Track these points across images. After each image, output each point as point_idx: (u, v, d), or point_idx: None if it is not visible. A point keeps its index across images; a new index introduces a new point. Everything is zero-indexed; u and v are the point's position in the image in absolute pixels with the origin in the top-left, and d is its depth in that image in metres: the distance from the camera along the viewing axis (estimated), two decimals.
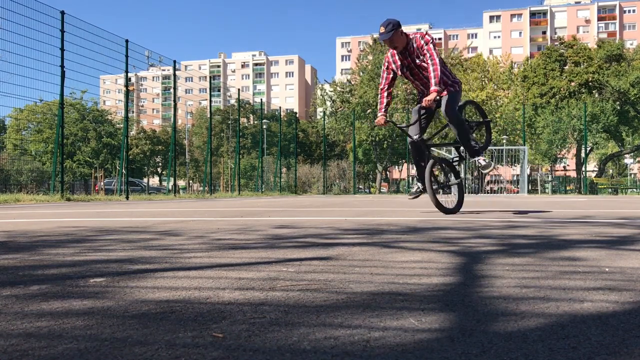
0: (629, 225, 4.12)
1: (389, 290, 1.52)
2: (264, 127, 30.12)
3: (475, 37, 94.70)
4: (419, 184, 5.78)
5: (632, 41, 75.18)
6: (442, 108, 5.41)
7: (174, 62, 18.87)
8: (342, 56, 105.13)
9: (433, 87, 5.13)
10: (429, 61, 5.20)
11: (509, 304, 1.34)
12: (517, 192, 35.07)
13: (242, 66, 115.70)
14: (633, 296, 1.43)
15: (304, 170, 35.37)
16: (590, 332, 1.09)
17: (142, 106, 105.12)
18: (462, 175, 32.15)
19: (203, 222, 4.52)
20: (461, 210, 6.03)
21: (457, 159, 6.21)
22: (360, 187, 50.07)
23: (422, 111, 5.57)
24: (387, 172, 50.83)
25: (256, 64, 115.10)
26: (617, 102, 37.70)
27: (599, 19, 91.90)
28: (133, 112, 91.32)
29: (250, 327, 1.13)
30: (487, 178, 44.17)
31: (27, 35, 12.26)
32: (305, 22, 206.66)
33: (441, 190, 5.98)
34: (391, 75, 5.56)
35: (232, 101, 70.41)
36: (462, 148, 5.79)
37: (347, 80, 43.12)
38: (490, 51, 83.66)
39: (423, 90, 5.53)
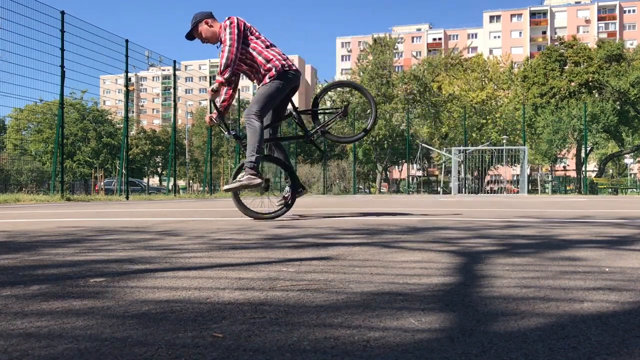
0: (629, 225, 4.12)
1: (389, 290, 1.52)
2: None
3: (475, 37, 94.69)
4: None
5: (632, 41, 75.20)
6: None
7: (174, 62, 18.87)
8: (342, 56, 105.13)
9: (217, 77, 4.51)
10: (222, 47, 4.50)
11: (509, 304, 1.34)
12: (517, 192, 35.07)
13: None
14: (633, 296, 1.43)
15: (304, 170, 35.37)
16: (590, 332, 1.09)
17: (142, 106, 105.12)
18: (462, 175, 32.20)
19: (203, 222, 4.52)
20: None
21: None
22: (360, 187, 50.04)
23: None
24: (387, 172, 50.83)
25: None
26: (617, 102, 37.70)
27: (599, 19, 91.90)
28: (133, 112, 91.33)
29: (250, 327, 1.13)
30: (487, 178, 44.22)
31: (27, 35, 12.27)
32: (305, 22, 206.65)
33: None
34: None
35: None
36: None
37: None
38: (490, 51, 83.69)
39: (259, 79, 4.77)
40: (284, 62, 4.63)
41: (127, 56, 15.88)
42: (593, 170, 50.60)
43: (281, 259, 2.15)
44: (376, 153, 42.31)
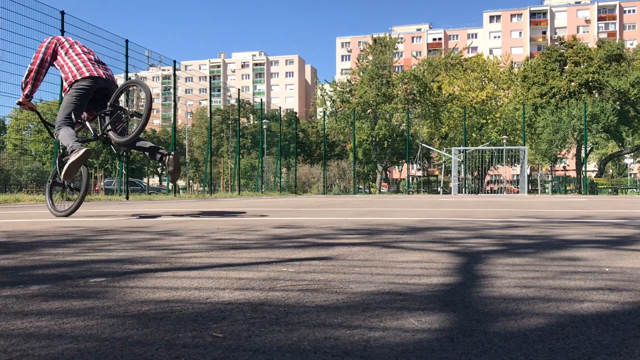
0: (629, 225, 4.12)
1: (389, 290, 1.52)
2: (264, 127, 30.12)
3: (475, 37, 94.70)
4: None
5: (632, 41, 75.21)
6: None
7: (174, 62, 18.87)
8: (342, 56, 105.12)
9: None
10: None
11: (509, 304, 1.34)
12: (517, 192, 35.07)
13: (242, 66, 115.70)
14: (633, 296, 1.43)
15: (304, 170, 35.38)
16: (590, 332, 1.09)
17: (142, 106, 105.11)
18: (462, 175, 32.20)
19: (203, 222, 4.52)
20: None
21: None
22: (360, 187, 50.05)
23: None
24: (387, 172, 50.82)
25: (256, 64, 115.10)
26: (617, 102, 37.69)
27: (599, 19, 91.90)
28: None
29: (250, 327, 1.13)
30: (487, 178, 44.24)
31: (27, 35, 12.26)
32: (305, 22, 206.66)
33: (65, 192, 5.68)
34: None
35: (232, 101, 70.40)
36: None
37: (347, 80, 43.11)
38: (490, 51, 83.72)
39: None
40: (76, 73, 5.19)
41: (127, 56, 15.88)
42: (593, 170, 50.59)
43: (281, 259, 2.15)
44: (376, 153, 42.30)
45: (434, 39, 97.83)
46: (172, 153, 5.19)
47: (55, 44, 5.39)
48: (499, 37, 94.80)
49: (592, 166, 52.79)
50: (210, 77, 42.76)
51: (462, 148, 32.19)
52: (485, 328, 1.11)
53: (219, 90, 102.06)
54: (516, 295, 1.44)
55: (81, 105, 5.22)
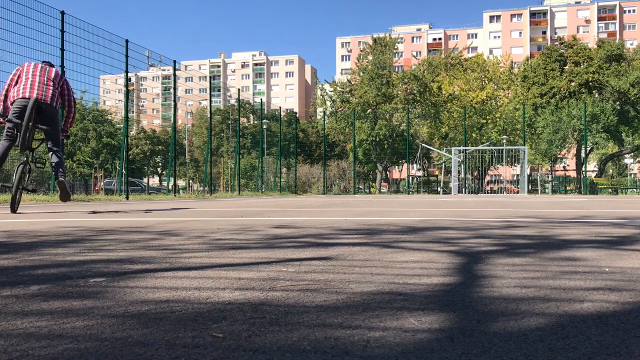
0: (629, 225, 4.12)
1: (389, 290, 1.52)
2: (264, 127, 30.11)
3: (475, 37, 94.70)
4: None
5: (632, 41, 75.18)
6: None
7: (174, 62, 18.87)
8: (342, 56, 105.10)
9: None
10: None
11: (509, 304, 1.34)
12: (517, 192, 35.07)
13: (242, 66, 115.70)
14: (633, 296, 1.43)
15: (304, 170, 35.37)
16: (590, 332, 1.09)
17: (142, 106, 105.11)
18: (462, 175, 32.21)
19: (203, 222, 4.52)
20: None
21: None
22: (360, 187, 50.06)
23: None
24: (387, 172, 50.81)
25: (256, 64, 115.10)
26: (617, 102, 37.68)
27: (599, 19, 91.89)
28: (133, 112, 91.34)
29: (250, 327, 1.13)
30: (487, 178, 44.25)
31: (27, 35, 12.25)
32: (305, 22, 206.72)
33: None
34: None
35: (232, 101, 70.39)
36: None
37: (347, 80, 43.10)
38: (490, 51, 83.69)
39: None
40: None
41: (127, 56, 15.87)
42: (593, 170, 50.58)
43: (281, 259, 2.15)
44: (376, 153, 42.30)
45: (434, 39, 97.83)
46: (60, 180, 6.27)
47: (20, 70, 6.25)
48: (499, 37, 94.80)
49: (592, 166, 52.78)
50: (210, 77, 42.76)
51: (462, 148, 32.19)
52: (485, 328, 1.11)
53: (219, 90, 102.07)
54: (516, 295, 1.44)
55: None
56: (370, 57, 40.58)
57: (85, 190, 37.96)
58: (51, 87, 6.13)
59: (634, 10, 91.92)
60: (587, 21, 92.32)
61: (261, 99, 33.76)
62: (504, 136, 37.98)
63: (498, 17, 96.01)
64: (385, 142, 41.09)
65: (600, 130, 36.29)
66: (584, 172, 32.94)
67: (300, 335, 1.06)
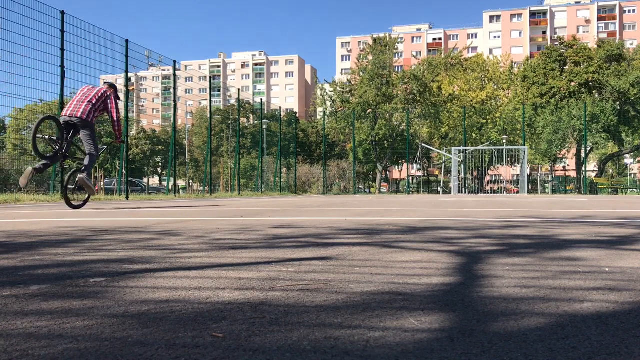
0: (629, 225, 4.12)
1: (389, 290, 1.52)
2: (264, 127, 30.12)
3: (475, 37, 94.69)
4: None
5: (632, 41, 75.19)
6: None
7: (174, 62, 18.86)
8: (342, 56, 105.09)
9: None
10: None
11: (509, 304, 1.34)
12: (517, 192, 35.07)
13: (242, 66, 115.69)
14: (633, 296, 1.43)
15: (304, 170, 35.36)
16: (590, 332, 1.09)
17: (142, 106, 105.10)
18: (462, 175, 32.21)
19: (203, 222, 4.52)
20: None
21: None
22: (360, 187, 50.04)
23: None
24: (387, 172, 50.81)
25: (256, 64, 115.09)
26: (617, 102, 37.68)
27: (599, 19, 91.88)
28: (133, 112, 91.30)
29: (250, 327, 1.13)
30: (487, 178, 44.25)
31: (27, 35, 12.24)
32: (305, 22, 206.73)
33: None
34: None
35: (232, 101, 70.40)
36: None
37: (347, 80, 43.09)
38: (490, 51, 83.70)
39: None
40: None
41: (127, 56, 15.87)
42: (593, 170, 50.58)
43: (281, 259, 2.15)
44: (376, 153, 42.30)
45: (434, 39, 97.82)
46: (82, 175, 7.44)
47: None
48: (499, 37, 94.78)
49: (592, 166, 52.78)
50: (210, 77, 42.76)
51: (462, 148, 32.19)
52: (485, 328, 1.11)
53: (219, 90, 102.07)
54: (516, 295, 1.44)
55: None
56: (370, 57, 40.56)
57: None
58: (85, 104, 7.34)
59: (634, 10, 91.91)
60: (587, 21, 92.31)
61: (261, 99, 33.75)
62: (504, 136, 37.98)
63: (498, 17, 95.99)
64: (385, 142, 41.09)
65: (600, 130, 36.29)
66: (584, 172, 32.94)
67: (300, 335, 1.06)
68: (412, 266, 1.98)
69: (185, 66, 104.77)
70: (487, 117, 40.46)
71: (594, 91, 39.89)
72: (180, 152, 55.55)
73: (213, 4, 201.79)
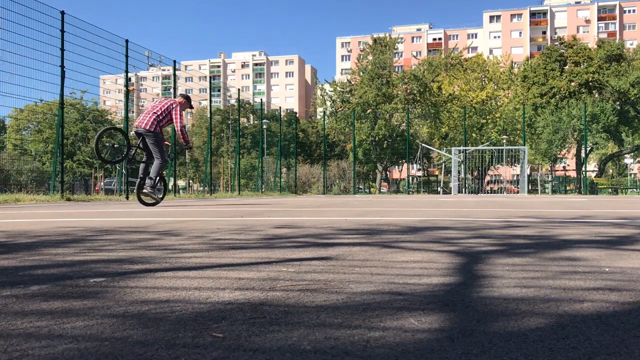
0: (629, 225, 4.12)
1: (389, 290, 1.52)
2: (264, 127, 30.12)
3: (475, 37, 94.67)
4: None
5: (632, 41, 75.17)
6: None
7: (174, 62, 18.86)
8: (342, 56, 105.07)
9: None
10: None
11: (509, 304, 1.34)
12: (517, 192, 35.07)
13: (242, 66, 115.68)
14: (633, 296, 1.43)
15: (304, 170, 35.36)
16: (590, 332, 1.09)
17: (142, 106, 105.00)
18: (462, 175, 32.22)
19: (203, 222, 4.52)
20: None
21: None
22: (360, 187, 50.04)
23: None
24: (387, 172, 50.81)
25: (256, 64, 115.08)
26: (617, 102, 37.67)
27: (599, 19, 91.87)
28: (133, 112, 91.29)
29: (250, 327, 1.13)
30: (487, 178, 44.26)
31: (27, 35, 12.24)
32: (305, 22, 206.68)
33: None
34: None
35: (232, 101, 70.39)
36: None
37: (347, 80, 43.08)
38: (490, 51, 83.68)
39: None
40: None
41: (127, 56, 15.86)
42: (593, 170, 50.57)
43: (281, 259, 2.15)
44: (376, 153, 42.30)
45: (434, 39, 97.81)
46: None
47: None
48: (499, 37, 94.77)
49: (592, 166, 52.78)
50: (210, 77, 42.75)
51: (462, 148, 32.18)
52: (485, 328, 1.11)
53: (219, 90, 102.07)
54: (516, 295, 1.44)
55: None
56: (370, 57, 40.56)
57: (85, 190, 37.98)
58: (150, 115, 8.16)
59: (634, 10, 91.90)
60: (587, 21, 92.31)
61: (261, 99, 33.74)
62: (504, 136, 37.98)
63: (498, 17, 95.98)
64: (385, 142, 41.09)
65: (600, 130, 36.29)
66: (584, 172, 32.93)
67: (300, 335, 1.06)
68: (412, 266, 1.98)
69: (185, 66, 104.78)
70: (487, 117, 40.46)
71: (594, 91, 39.89)
72: (181, 152, 55.46)
73: (213, 4, 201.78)
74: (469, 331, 1.09)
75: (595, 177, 40.70)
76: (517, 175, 39.67)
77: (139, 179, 8.58)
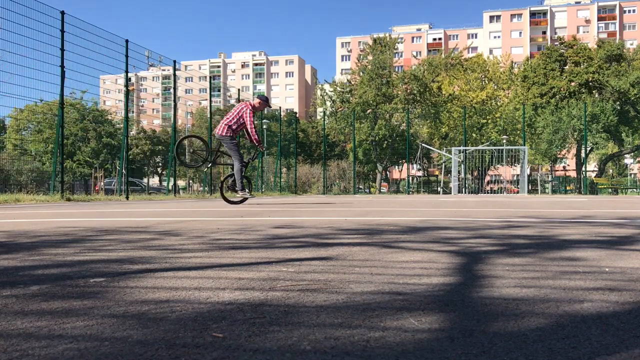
0: (629, 225, 4.12)
1: (389, 290, 1.52)
2: (264, 127, 30.10)
3: (475, 37, 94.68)
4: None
5: (632, 41, 75.20)
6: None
7: (174, 62, 18.86)
8: (342, 56, 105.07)
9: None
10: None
11: (509, 304, 1.34)
12: (517, 192, 35.06)
13: (242, 66, 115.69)
14: (633, 296, 1.43)
15: (304, 170, 35.35)
16: (590, 332, 1.09)
17: (142, 106, 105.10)
18: (462, 175, 32.23)
19: (203, 222, 4.52)
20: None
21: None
22: (360, 187, 50.03)
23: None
24: (387, 172, 50.81)
25: (256, 64, 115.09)
26: (617, 102, 37.67)
27: (599, 19, 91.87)
28: (133, 112, 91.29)
29: (250, 327, 1.13)
30: (487, 178, 44.26)
31: (27, 35, 12.24)
32: (305, 22, 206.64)
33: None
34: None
35: (232, 101, 70.39)
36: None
37: (347, 80, 43.08)
38: (490, 51, 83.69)
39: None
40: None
41: (127, 56, 15.86)
42: (593, 170, 50.57)
43: (281, 259, 2.15)
44: (376, 153, 42.30)
45: (434, 39, 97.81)
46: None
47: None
48: (499, 37, 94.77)
49: (592, 166, 52.77)
50: (210, 77, 42.76)
51: (462, 148, 32.18)
52: (485, 328, 1.11)
53: (219, 90, 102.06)
54: (516, 295, 1.44)
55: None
56: (370, 57, 40.56)
57: (85, 190, 37.98)
58: (224, 122, 8.74)
59: (634, 10, 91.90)
60: (587, 21, 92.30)
61: None
62: (504, 136, 37.96)
63: (498, 17, 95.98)
64: (385, 142, 41.08)
65: (600, 130, 36.29)
66: (584, 172, 32.91)
67: (300, 335, 1.06)
68: (412, 266, 1.98)
69: (185, 66, 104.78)
70: (487, 117, 40.46)
71: (594, 91, 39.88)
72: (180, 152, 55.46)
73: (213, 4, 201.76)
74: (469, 331, 1.09)
75: (595, 177, 40.70)
76: (517, 175, 39.66)
77: (223, 179, 9.64)
